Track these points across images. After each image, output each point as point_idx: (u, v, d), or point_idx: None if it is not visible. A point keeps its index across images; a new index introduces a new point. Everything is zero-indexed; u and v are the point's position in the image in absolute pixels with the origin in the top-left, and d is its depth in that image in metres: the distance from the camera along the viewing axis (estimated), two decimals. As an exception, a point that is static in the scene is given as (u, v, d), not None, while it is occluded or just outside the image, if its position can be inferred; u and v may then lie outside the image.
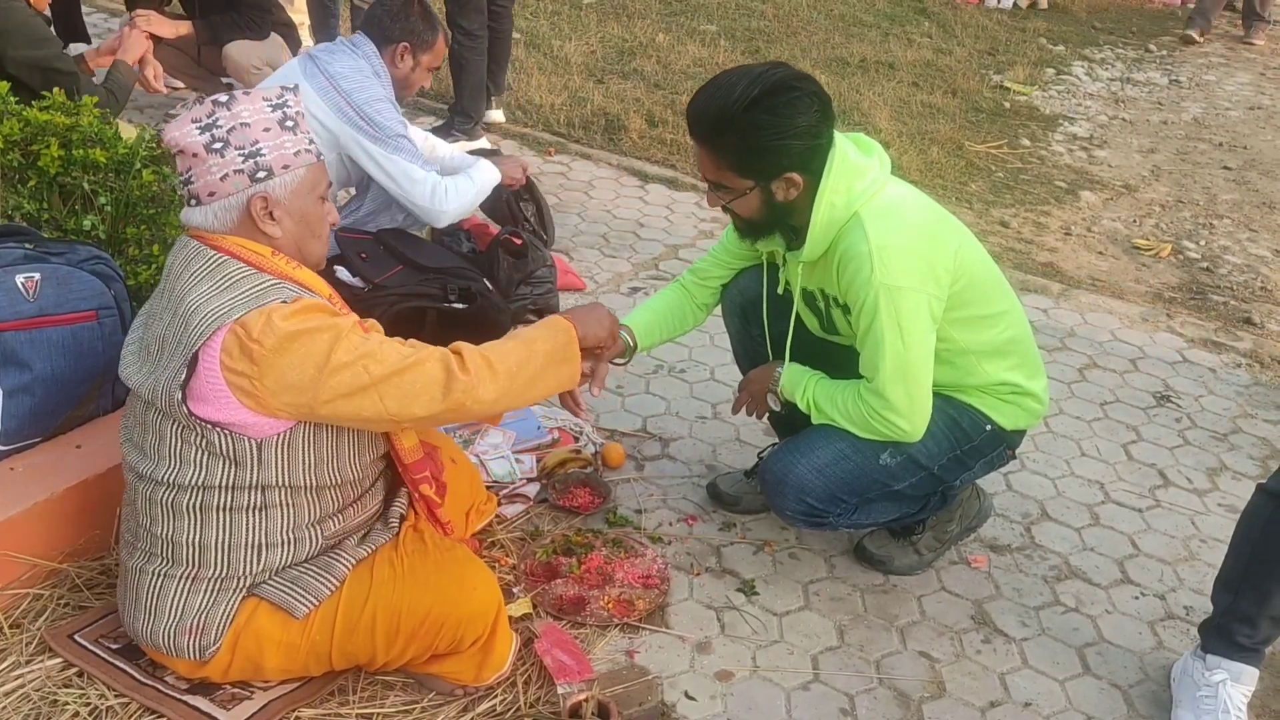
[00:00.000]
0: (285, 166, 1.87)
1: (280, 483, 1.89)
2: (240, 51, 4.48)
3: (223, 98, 1.85)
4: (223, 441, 1.84)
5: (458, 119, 4.99)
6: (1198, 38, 8.17)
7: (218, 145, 1.82)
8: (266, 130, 1.85)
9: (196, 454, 1.86)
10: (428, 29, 3.31)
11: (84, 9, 5.26)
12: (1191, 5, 8.54)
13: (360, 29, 3.31)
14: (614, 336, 2.30)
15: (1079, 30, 8.41)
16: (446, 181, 3.28)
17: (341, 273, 3.19)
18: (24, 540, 2.21)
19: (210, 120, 1.83)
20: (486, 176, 3.45)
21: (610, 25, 7.15)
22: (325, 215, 1.97)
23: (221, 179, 1.83)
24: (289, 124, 1.88)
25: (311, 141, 1.92)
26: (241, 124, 1.83)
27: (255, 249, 1.87)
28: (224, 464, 1.86)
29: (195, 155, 1.83)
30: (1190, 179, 5.66)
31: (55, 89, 2.90)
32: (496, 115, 5.43)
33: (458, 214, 3.34)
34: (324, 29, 5.27)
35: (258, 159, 1.84)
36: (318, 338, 1.80)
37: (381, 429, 1.98)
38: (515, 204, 3.82)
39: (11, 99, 2.76)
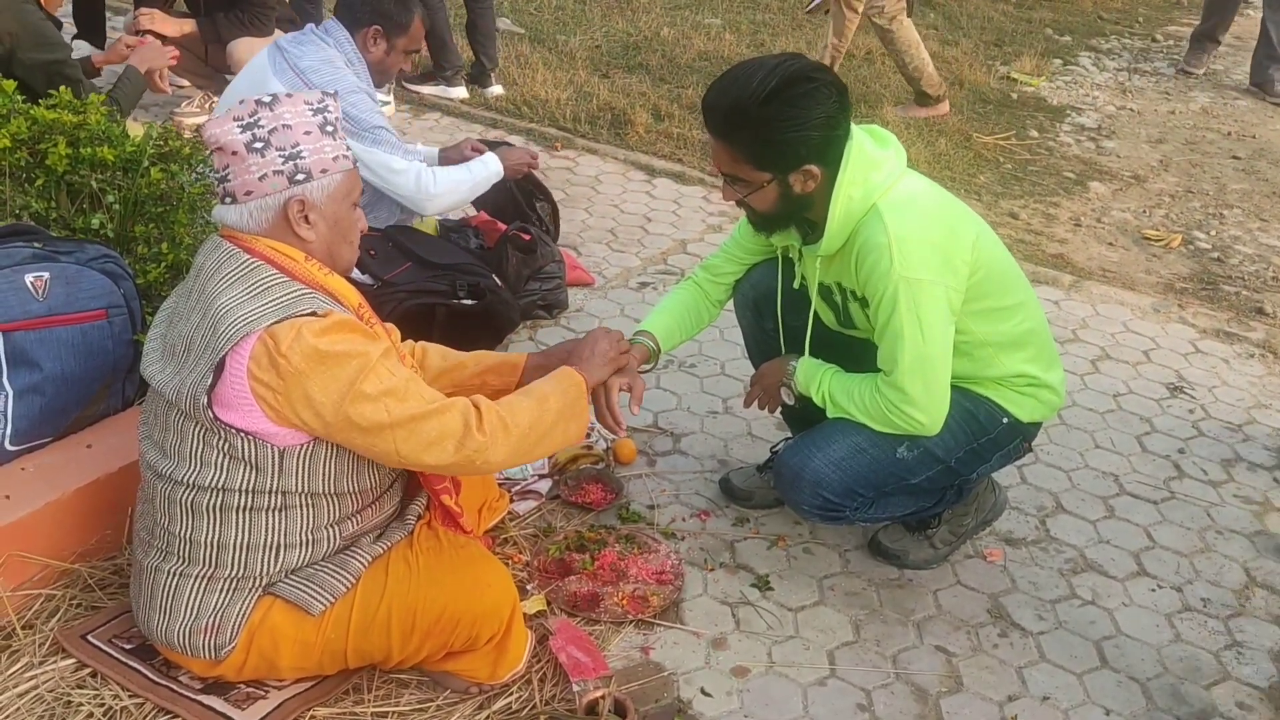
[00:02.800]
0: (324, 171, 1.86)
1: (300, 489, 1.89)
2: (245, 49, 4.47)
3: (265, 98, 1.85)
4: (245, 447, 1.83)
5: (491, 72, 5.60)
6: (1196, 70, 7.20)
7: (259, 145, 1.81)
8: (307, 133, 1.85)
9: (218, 457, 1.85)
10: (400, 10, 3.18)
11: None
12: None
13: (334, 12, 3.20)
14: (617, 364, 2.31)
15: (1085, 20, 8.38)
16: (436, 169, 3.21)
17: (350, 270, 3.18)
18: (35, 540, 2.21)
19: (252, 119, 1.82)
20: (487, 169, 3.39)
21: (615, 19, 7.13)
22: (357, 221, 1.98)
23: (260, 179, 1.82)
24: (329, 129, 1.88)
25: (348, 148, 1.92)
26: (284, 125, 1.83)
27: (288, 253, 1.87)
28: (245, 469, 1.85)
29: (235, 153, 1.82)
30: (1199, 169, 5.63)
31: (61, 88, 2.88)
32: (497, 89, 5.63)
33: (448, 203, 3.27)
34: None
35: (298, 161, 1.83)
36: (347, 364, 1.79)
37: (387, 464, 1.97)
38: (529, 201, 3.81)
39: (19, 97, 2.75)
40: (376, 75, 3.24)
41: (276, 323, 1.77)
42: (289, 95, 1.86)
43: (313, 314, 1.80)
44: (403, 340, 2.29)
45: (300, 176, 1.84)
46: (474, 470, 1.93)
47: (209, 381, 1.78)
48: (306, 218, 1.87)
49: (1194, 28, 7.33)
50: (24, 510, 2.19)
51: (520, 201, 3.80)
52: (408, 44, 3.26)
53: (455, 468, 1.91)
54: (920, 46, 5.74)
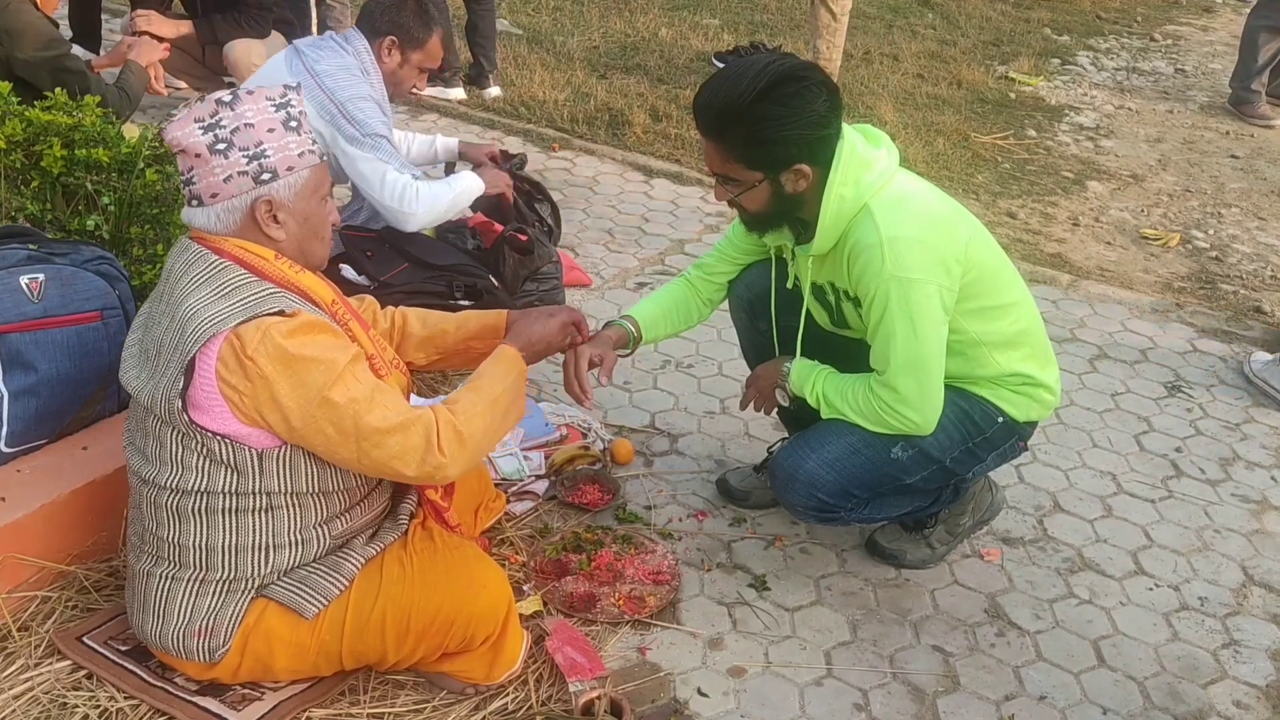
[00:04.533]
0: (289, 168, 1.84)
1: (283, 489, 1.88)
2: (241, 50, 4.47)
3: (226, 97, 1.82)
4: (223, 450, 1.82)
5: (489, 74, 5.62)
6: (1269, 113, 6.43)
7: (221, 146, 1.79)
8: (271, 131, 1.83)
9: (198, 460, 1.84)
10: (419, 26, 3.18)
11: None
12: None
13: (356, 22, 3.22)
14: (574, 328, 2.29)
15: (1083, 20, 8.38)
16: (420, 185, 3.16)
17: (347, 271, 3.18)
18: (31, 543, 2.21)
19: (214, 120, 1.80)
20: (466, 185, 3.34)
21: (612, 20, 7.13)
22: (328, 216, 1.95)
23: (225, 180, 1.81)
24: (292, 124, 1.86)
25: (314, 142, 1.90)
26: (245, 124, 1.81)
27: (258, 252, 1.85)
28: (226, 471, 1.84)
29: (198, 156, 1.80)
30: (1197, 168, 5.63)
31: (59, 89, 2.88)
32: (495, 91, 5.63)
33: (428, 219, 3.21)
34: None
35: (262, 160, 1.81)
36: (314, 369, 1.77)
37: (349, 469, 1.94)
38: (528, 203, 3.80)
39: (14, 99, 2.75)
40: (390, 87, 3.23)
41: (243, 323, 1.76)
42: (250, 93, 1.84)
43: (280, 313, 1.78)
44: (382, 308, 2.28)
45: (266, 176, 1.82)
46: (430, 483, 1.97)
47: (181, 384, 1.77)
48: (275, 217, 1.85)
49: (1236, 88, 6.51)
50: (20, 512, 2.19)
51: (520, 203, 3.80)
52: (423, 60, 3.24)
53: (414, 480, 1.92)
54: (840, 47, 5.67)
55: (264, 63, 4.38)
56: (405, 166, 3.17)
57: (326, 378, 1.78)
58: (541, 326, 2.21)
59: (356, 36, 3.16)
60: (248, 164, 1.81)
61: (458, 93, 5.55)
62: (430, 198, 3.17)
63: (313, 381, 1.77)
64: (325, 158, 1.94)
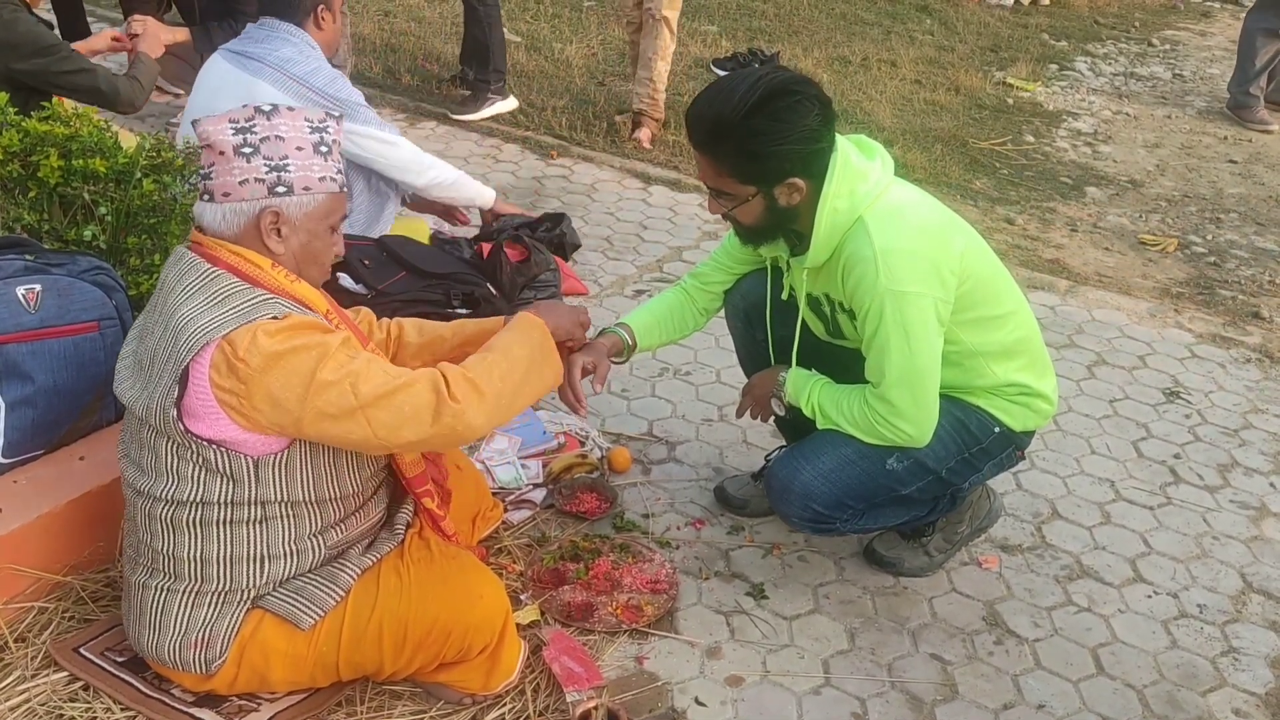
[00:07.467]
0: (306, 188, 1.85)
1: (279, 498, 1.88)
2: (238, 59, 4.47)
3: (266, 107, 1.85)
4: (219, 459, 1.82)
5: (495, 83, 5.31)
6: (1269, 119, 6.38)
7: (247, 150, 1.81)
8: (299, 149, 1.84)
9: (193, 470, 1.84)
10: None
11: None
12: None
13: (262, 15, 3.17)
14: (582, 327, 2.31)
15: (1081, 25, 8.38)
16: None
17: (345, 279, 3.18)
18: (28, 553, 2.20)
19: (247, 124, 1.82)
20: (480, 192, 3.51)
21: (611, 27, 7.12)
22: (331, 245, 1.95)
23: (241, 183, 1.82)
24: (323, 149, 1.87)
25: (340, 172, 1.91)
26: (276, 136, 1.82)
27: (254, 260, 1.85)
28: (221, 481, 1.84)
29: (222, 153, 1.82)
30: (1196, 173, 5.63)
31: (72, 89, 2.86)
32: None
33: (434, 183, 3.34)
34: None
35: (282, 173, 1.83)
36: (304, 355, 1.77)
37: (371, 453, 1.96)
38: (549, 231, 3.86)
39: (11, 110, 2.75)
40: (329, 52, 3.24)
41: (235, 329, 1.76)
42: (291, 109, 1.86)
43: (272, 318, 1.79)
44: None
45: (281, 189, 1.83)
46: (456, 439, 1.89)
47: (175, 394, 1.78)
48: (279, 230, 1.85)
49: (1235, 93, 6.47)
50: (16, 523, 2.18)
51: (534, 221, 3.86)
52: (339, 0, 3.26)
53: (437, 439, 1.87)
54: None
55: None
56: (384, 126, 3.25)
57: (318, 360, 1.77)
58: (554, 306, 2.27)
59: (278, 23, 3.15)
60: (267, 173, 1.82)
61: (511, 103, 5.42)
62: (438, 165, 3.35)
63: (304, 367, 1.76)
64: (346, 189, 1.95)
